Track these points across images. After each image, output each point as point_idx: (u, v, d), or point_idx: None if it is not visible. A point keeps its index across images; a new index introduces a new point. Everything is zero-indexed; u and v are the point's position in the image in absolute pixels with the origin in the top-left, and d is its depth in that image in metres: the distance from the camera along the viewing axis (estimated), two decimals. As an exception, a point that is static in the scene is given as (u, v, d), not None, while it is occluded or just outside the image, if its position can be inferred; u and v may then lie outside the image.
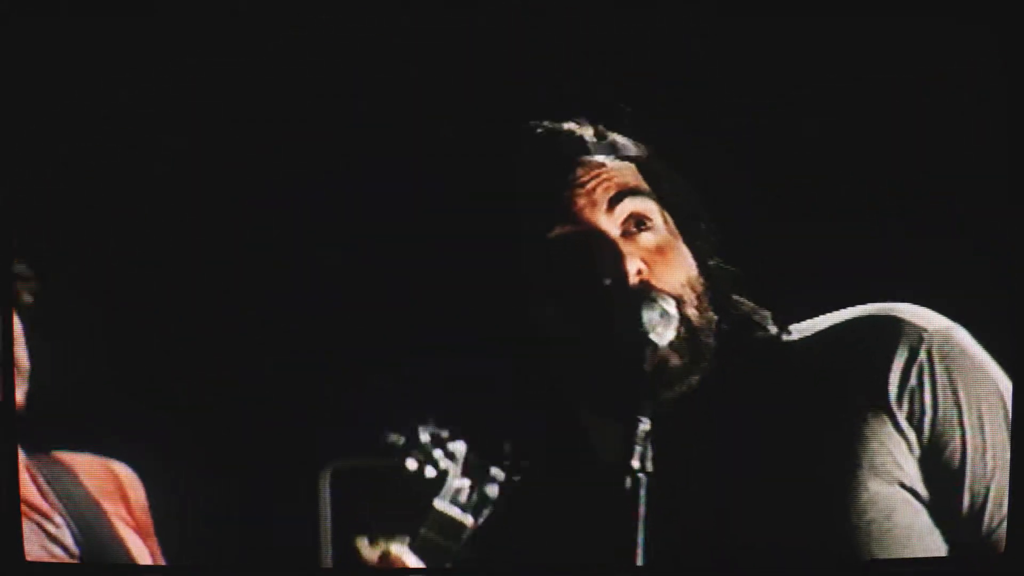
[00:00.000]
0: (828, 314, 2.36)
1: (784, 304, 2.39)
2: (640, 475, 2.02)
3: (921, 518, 2.24)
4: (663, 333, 2.20)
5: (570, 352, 2.27)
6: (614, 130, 2.39)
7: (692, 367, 2.24)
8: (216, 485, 3.08)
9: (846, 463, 2.23)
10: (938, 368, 2.26)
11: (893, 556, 2.22)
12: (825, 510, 2.23)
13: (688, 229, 2.34)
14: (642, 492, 2.02)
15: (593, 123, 2.38)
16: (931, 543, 2.24)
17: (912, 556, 2.22)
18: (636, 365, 2.15)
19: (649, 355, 2.17)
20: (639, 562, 2.00)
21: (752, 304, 2.37)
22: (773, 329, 2.35)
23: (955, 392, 2.26)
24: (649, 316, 2.19)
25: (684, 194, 2.37)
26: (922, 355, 2.26)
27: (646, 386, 2.12)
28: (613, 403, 2.14)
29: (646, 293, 2.22)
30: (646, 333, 2.18)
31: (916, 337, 2.27)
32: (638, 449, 2.04)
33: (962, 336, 2.29)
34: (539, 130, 2.35)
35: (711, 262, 2.34)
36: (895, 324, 2.28)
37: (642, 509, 2.00)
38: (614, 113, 2.40)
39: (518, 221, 2.30)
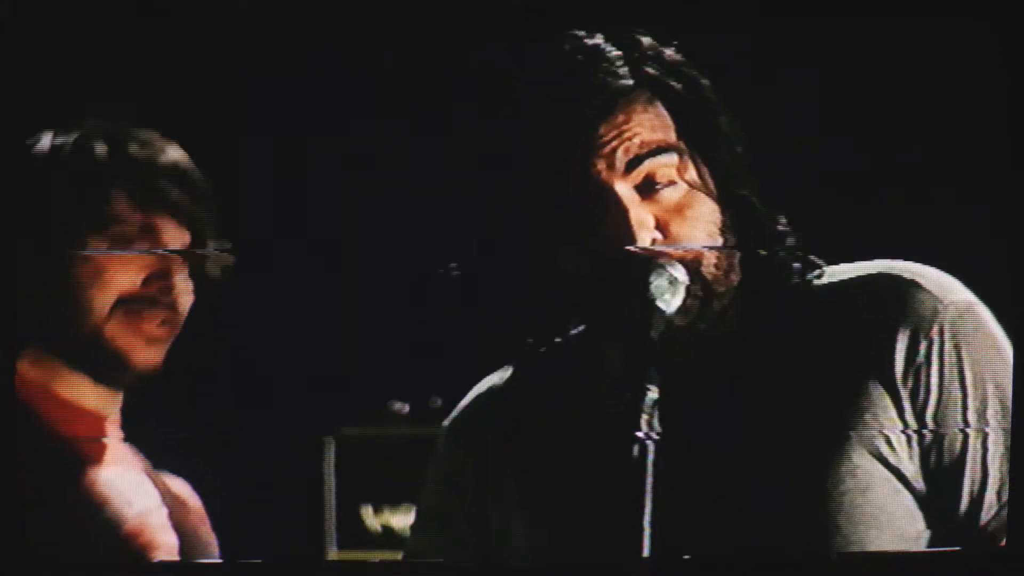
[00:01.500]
0: (858, 263, 2.31)
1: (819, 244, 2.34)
2: (648, 441, 2.00)
3: (901, 500, 2.22)
4: (671, 300, 2.17)
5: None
6: (664, 51, 2.28)
7: (702, 330, 2.21)
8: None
9: (835, 428, 2.21)
10: (947, 346, 2.21)
11: (860, 533, 2.19)
12: (808, 476, 2.21)
13: (721, 172, 2.26)
14: (649, 459, 2.00)
15: (637, 46, 2.26)
16: (907, 527, 2.21)
17: (880, 536, 2.20)
18: (643, 333, 2.13)
19: (656, 322, 2.14)
20: (646, 535, 1.98)
21: (792, 240, 2.31)
22: (806, 269, 2.30)
23: (961, 373, 2.22)
24: (657, 283, 2.16)
25: (726, 132, 2.28)
26: (933, 331, 2.21)
27: (654, 354, 2.09)
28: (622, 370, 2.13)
29: (653, 260, 2.19)
30: (653, 300, 2.15)
31: (931, 310, 2.22)
32: (644, 418, 2.02)
33: (980, 313, 2.25)
34: (579, 56, 2.23)
35: (743, 192, 2.27)
36: (912, 292, 2.23)
37: (649, 478, 1.98)
38: (664, 35, 2.31)
39: (532, 175, 2.24)
